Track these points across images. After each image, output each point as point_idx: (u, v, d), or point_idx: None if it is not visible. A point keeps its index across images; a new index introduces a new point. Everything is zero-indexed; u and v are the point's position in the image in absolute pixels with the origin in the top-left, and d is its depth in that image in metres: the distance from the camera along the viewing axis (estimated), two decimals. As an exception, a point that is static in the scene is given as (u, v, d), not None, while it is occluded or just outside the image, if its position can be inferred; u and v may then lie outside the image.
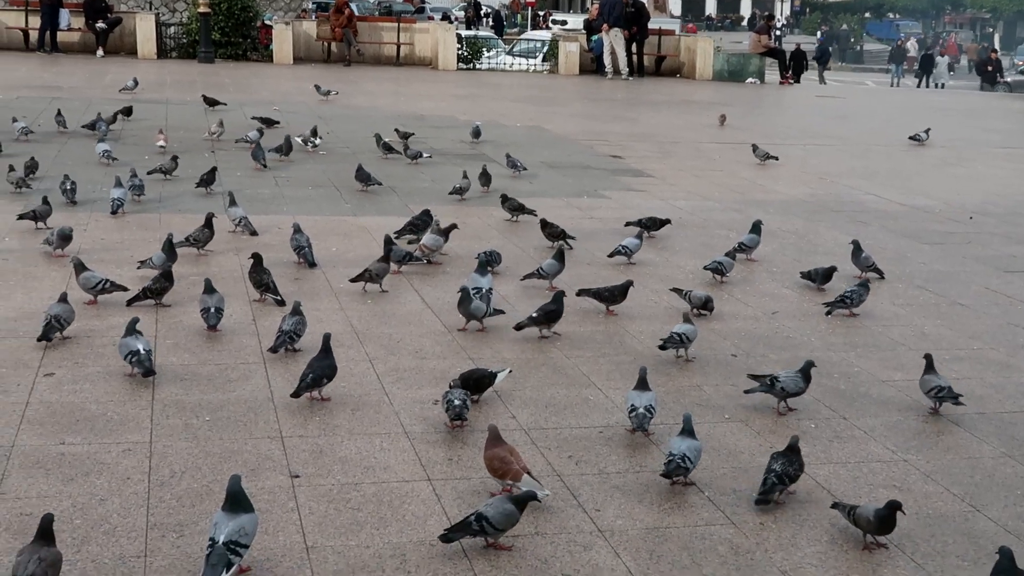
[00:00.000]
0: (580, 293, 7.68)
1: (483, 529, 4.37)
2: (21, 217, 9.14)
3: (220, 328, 6.86)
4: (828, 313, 7.95)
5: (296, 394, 5.77)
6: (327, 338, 5.95)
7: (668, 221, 10.14)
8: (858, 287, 8.06)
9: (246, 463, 5.09)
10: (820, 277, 8.60)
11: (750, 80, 29.72)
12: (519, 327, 7.10)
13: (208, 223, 8.63)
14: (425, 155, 13.55)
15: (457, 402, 5.57)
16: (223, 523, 4.12)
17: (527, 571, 4.32)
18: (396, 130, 14.71)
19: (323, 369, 5.83)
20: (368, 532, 4.55)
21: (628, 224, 9.92)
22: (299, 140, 13.59)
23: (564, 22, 44.20)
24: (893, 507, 4.56)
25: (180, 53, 28.02)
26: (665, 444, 5.39)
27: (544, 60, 32.24)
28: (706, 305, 7.69)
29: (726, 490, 5.11)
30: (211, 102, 17.25)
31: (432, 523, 4.64)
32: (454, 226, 9.05)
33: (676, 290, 7.93)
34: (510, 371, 6.16)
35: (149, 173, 11.31)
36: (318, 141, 13.92)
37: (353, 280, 7.96)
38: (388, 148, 13.63)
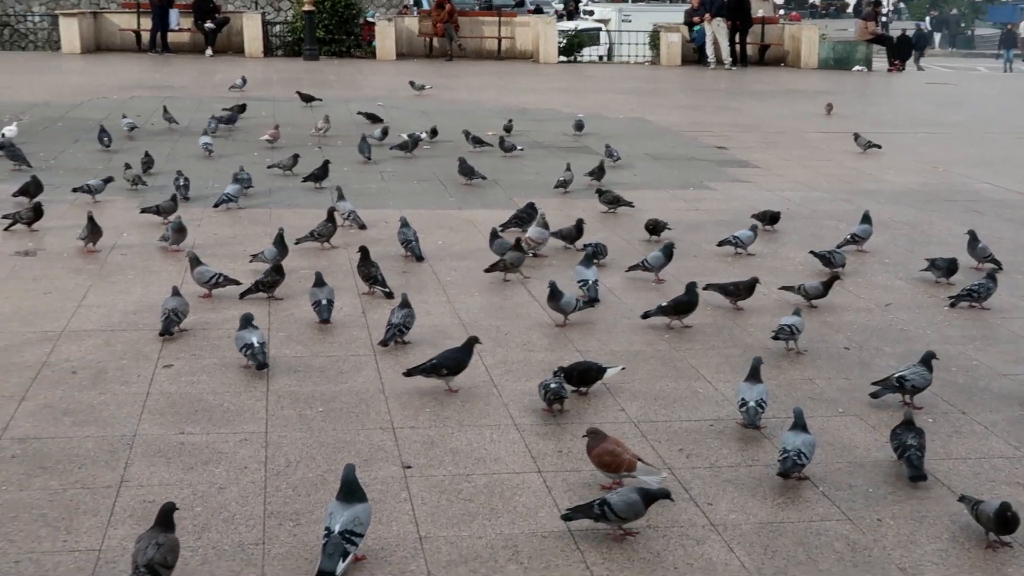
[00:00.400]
0: (708, 287, 7.54)
1: (604, 515, 4.36)
2: (145, 211, 9.41)
3: (331, 321, 6.96)
4: (952, 306, 7.74)
5: (409, 373, 5.86)
6: (472, 340, 6.00)
7: (779, 214, 10.01)
8: (985, 280, 7.78)
9: (359, 453, 5.15)
10: (944, 270, 8.34)
11: (857, 68, 29.09)
12: (646, 316, 7.08)
13: (330, 217, 8.80)
14: (519, 148, 13.57)
15: (554, 385, 5.60)
16: (338, 512, 4.18)
17: (639, 564, 4.30)
18: (510, 121, 14.95)
19: (446, 359, 5.88)
20: (480, 523, 4.57)
21: (753, 216, 9.87)
22: (404, 136, 13.71)
23: (592, 12, 43.29)
24: (1014, 519, 4.42)
25: (286, 51, 28.53)
26: (777, 438, 5.30)
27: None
28: (826, 291, 7.55)
29: (841, 485, 5.01)
30: (306, 98, 17.66)
31: (543, 515, 4.65)
32: (582, 221, 9.00)
33: (787, 288, 7.77)
34: (623, 368, 6.12)
35: (269, 167, 11.66)
36: (423, 136, 14.01)
37: (488, 270, 8.07)
38: (478, 142, 13.66)
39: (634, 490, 4.43)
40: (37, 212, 9.09)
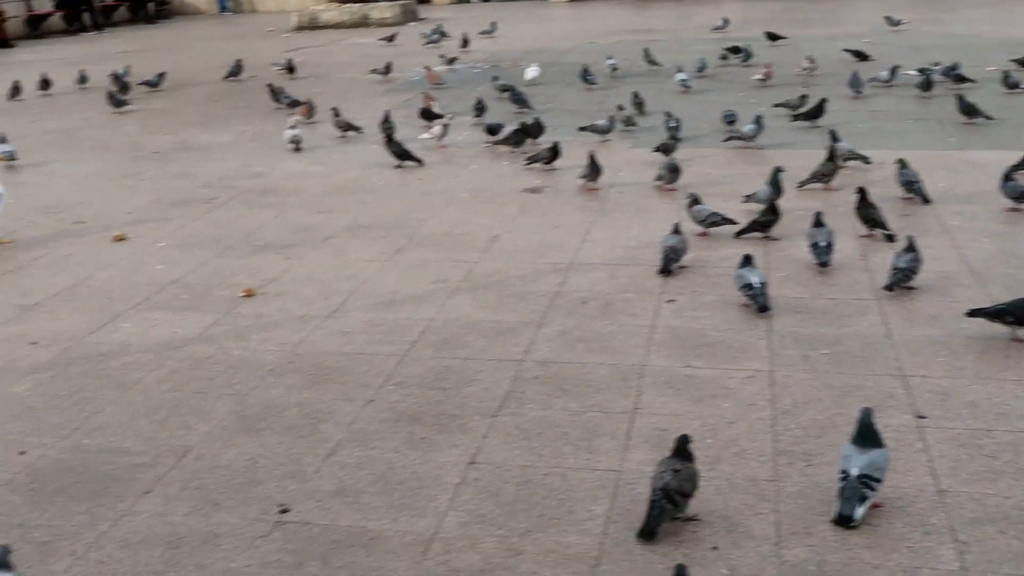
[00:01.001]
0: None
1: None
2: (656, 150, 9.72)
3: (830, 263, 6.80)
4: None
5: (972, 314, 5.58)
6: None
7: None
8: None
9: (867, 399, 4.99)
10: None
11: None
12: None
13: (831, 156, 8.63)
14: (1022, 85, 12.41)
15: None
16: (854, 456, 4.09)
17: None
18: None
19: (1016, 307, 5.52)
20: (1006, 482, 4.28)
21: None
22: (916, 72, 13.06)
23: None
24: None
25: (765, -10, 28.13)
26: None
27: None
28: None
29: None
30: (773, 37, 17.68)
31: (1080, 481, 4.27)
32: None
33: None
34: None
35: (775, 106, 11.68)
36: (912, 72, 13.23)
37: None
38: (1014, 86, 12.58)
39: None
40: (554, 152, 9.68)
